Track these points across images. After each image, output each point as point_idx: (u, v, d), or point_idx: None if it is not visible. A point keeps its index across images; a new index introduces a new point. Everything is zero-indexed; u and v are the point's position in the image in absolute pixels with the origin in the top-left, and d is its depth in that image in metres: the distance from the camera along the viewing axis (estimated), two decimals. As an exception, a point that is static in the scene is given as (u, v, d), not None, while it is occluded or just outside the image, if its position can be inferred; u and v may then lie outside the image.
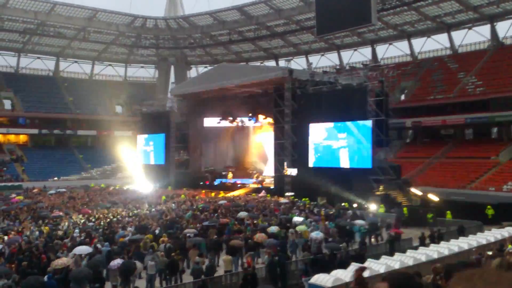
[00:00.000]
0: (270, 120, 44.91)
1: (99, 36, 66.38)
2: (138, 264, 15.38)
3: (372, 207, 29.27)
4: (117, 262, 15.00)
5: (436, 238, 19.57)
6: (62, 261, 14.64)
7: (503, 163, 38.96)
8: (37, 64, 69.19)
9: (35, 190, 45.00)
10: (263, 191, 39.83)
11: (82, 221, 24.55)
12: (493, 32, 48.54)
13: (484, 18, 48.29)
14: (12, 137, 62.60)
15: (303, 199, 33.16)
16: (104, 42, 68.20)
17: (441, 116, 45.16)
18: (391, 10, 49.68)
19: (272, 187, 40.92)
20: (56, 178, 55.54)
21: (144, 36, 68.90)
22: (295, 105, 38.06)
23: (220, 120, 50.08)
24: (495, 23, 48.29)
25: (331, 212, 27.64)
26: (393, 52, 58.19)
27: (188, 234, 19.92)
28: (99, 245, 17.85)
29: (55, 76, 69.65)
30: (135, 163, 55.94)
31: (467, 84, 45.72)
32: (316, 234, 19.95)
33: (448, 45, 52.58)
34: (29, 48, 66.75)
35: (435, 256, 13.82)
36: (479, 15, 48.14)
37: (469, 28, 50.55)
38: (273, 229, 20.79)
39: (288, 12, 55.53)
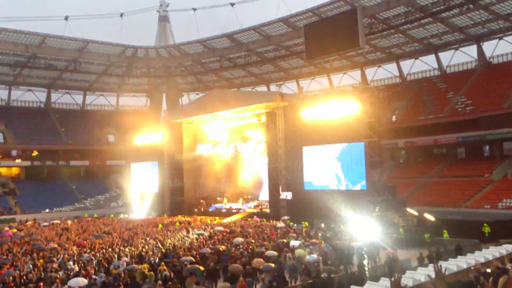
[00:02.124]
0: (263, 144, 45.01)
1: (90, 67, 66.60)
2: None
3: (369, 228, 29.11)
4: (113, 293, 14.77)
5: (435, 258, 19.46)
6: (57, 294, 14.40)
7: (497, 181, 39.12)
8: (28, 96, 69.46)
9: (28, 223, 44.47)
10: (255, 216, 39.55)
11: (77, 252, 24.22)
12: (480, 52, 49.31)
13: (471, 38, 49.12)
14: (4, 170, 62.22)
15: (303, 222, 32.98)
16: (96, 72, 68.51)
17: (433, 135, 45.42)
18: (379, 33, 50.43)
19: (268, 211, 40.75)
20: (48, 210, 55.03)
21: (135, 66, 69.29)
22: (288, 129, 38.21)
23: (213, 146, 50.15)
24: (481, 43, 49.13)
25: (328, 235, 27.51)
26: (382, 74, 58.85)
27: (185, 262, 19.69)
28: (94, 277, 17.59)
29: (46, 108, 69.70)
30: (129, 192, 55.64)
31: (456, 103, 46.22)
32: (310, 258, 19.81)
33: (436, 66, 53.31)
34: (20, 81, 66.87)
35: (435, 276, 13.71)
36: (465, 36, 48.97)
37: (456, 48, 51.35)
38: (271, 253, 20.63)
39: (277, 38, 56.22)
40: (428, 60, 54.19)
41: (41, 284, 16.45)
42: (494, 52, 48.99)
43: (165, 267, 18.65)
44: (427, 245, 24.73)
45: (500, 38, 48.00)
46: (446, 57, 52.70)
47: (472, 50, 50.28)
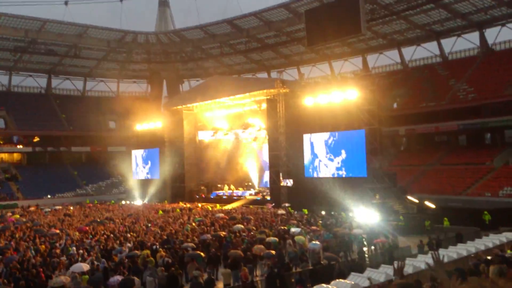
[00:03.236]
0: (264, 131, 44.97)
1: (91, 52, 66.35)
2: (137, 280, 15.27)
3: (369, 215, 29.26)
4: (116, 278, 14.90)
5: (435, 245, 19.58)
6: (60, 280, 14.53)
7: (497, 168, 39.17)
8: (29, 82, 69.25)
9: (31, 208, 44.70)
10: (269, 204, 39.19)
11: (79, 238, 24.37)
12: (482, 39, 49.01)
13: (473, 25, 48.79)
14: (5, 156, 62.41)
15: (304, 210, 33.10)
16: (96, 58, 68.25)
17: (434, 123, 45.38)
18: (380, 19, 50.09)
19: (268, 198, 40.87)
20: (50, 196, 55.24)
21: (135, 51, 69.00)
22: (289, 116, 38.18)
23: (214, 133, 50.10)
24: (484, 30, 48.80)
25: (328, 222, 27.63)
26: (383, 61, 58.56)
27: (187, 248, 19.81)
28: (96, 262, 17.72)
29: (47, 94, 69.57)
30: (130, 178, 55.80)
31: (458, 90, 46.09)
32: (314, 245, 19.92)
33: (438, 52, 52.99)
34: (20, 66, 66.63)
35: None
36: (467, 22, 48.66)
37: (458, 35, 51.04)
38: (271, 240, 20.75)
39: (278, 24, 55.87)
40: (430, 47, 53.91)
41: (42, 269, 16.57)
42: (496, 39, 48.82)
43: (163, 253, 18.77)
44: (428, 232, 24.86)
45: (503, 25, 47.70)
46: (448, 43, 52.48)
47: (475, 37, 50.01)
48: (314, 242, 20.38)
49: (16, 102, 64.32)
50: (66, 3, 61.88)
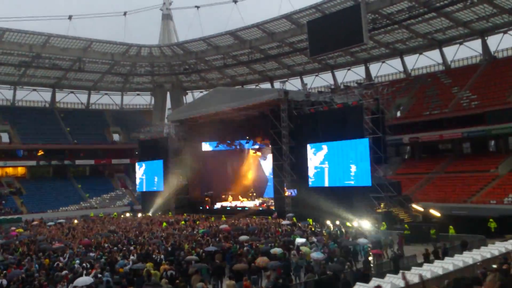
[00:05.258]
0: (267, 142, 44.93)
1: (95, 66, 66.83)
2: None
3: (374, 225, 29.10)
4: (119, 291, 14.82)
5: (440, 254, 19.40)
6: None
7: (502, 176, 38.96)
8: (33, 96, 69.63)
9: (35, 222, 44.62)
10: (275, 214, 38.98)
11: (83, 251, 24.29)
12: (485, 47, 49.05)
13: (475, 33, 48.85)
14: (10, 170, 62.53)
15: (309, 220, 32.94)
16: (100, 71, 68.66)
17: (438, 131, 45.28)
18: (382, 29, 50.26)
19: (273, 208, 40.72)
20: (54, 209, 55.20)
21: (139, 64, 69.40)
22: (292, 126, 38.19)
23: (218, 144, 50.13)
24: (486, 38, 48.85)
25: (333, 232, 27.48)
26: (386, 70, 58.70)
27: (191, 261, 19.70)
28: (100, 275, 17.63)
29: (51, 107, 69.87)
30: (134, 191, 55.80)
31: (461, 98, 46.00)
32: (317, 255, 19.79)
33: (440, 61, 53.08)
34: (25, 81, 67.03)
35: (440, 272, 13.68)
36: (469, 30, 48.71)
37: (461, 43, 51.10)
38: (276, 251, 20.62)
39: (281, 35, 56.14)
40: (432, 55, 54.08)
41: (45, 283, 16.49)
42: (498, 47, 48.82)
43: (166, 266, 18.66)
44: (433, 241, 24.68)
45: (505, 32, 47.75)
46: (451, 52, 52.57)
47: (477, 44, 50.04)
48: (318, 252, 20.24)
49: (21, 116, 64.66)
50: (70, 18, 62.45)
